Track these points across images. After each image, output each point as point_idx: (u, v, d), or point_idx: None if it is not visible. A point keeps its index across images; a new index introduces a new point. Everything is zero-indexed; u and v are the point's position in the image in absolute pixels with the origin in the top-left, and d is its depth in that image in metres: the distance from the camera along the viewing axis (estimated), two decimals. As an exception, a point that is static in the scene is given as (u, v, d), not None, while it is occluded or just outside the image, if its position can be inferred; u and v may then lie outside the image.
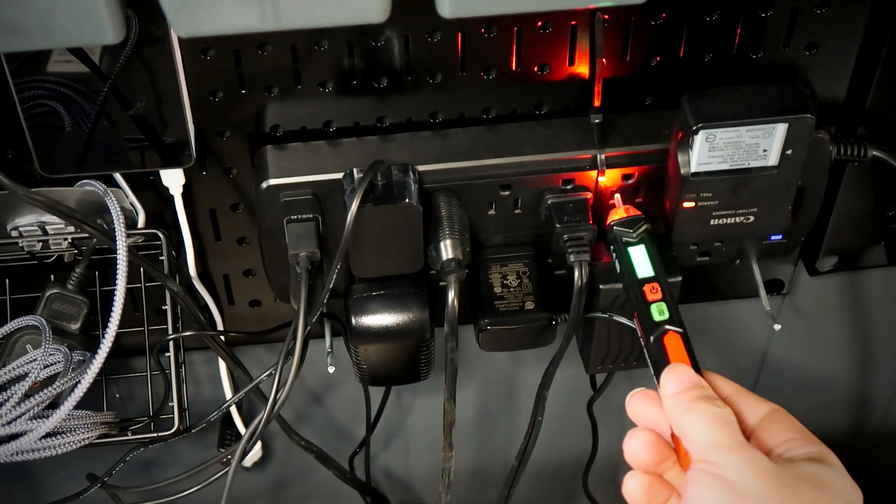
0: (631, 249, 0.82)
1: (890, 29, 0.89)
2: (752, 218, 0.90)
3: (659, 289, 0.78)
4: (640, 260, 0.81)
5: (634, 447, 0.72)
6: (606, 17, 0.85)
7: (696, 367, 0.73)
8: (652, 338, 0.75)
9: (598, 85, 0.88)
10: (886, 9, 0.88)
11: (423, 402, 1.23)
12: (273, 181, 0.87)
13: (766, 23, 0.88)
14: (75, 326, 0.91)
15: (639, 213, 0.86)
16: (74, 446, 0.88)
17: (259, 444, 1.22)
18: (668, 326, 0.75)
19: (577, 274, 0.90)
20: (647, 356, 0.76)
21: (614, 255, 0.84)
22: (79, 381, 0.86)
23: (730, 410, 0.69)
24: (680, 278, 0.93)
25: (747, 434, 0.70)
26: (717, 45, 0.89)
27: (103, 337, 0.85)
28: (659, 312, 0.77)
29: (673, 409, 0.70)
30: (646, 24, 0.87)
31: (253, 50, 0.84)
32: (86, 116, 0.82)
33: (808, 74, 0.91)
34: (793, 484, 0.65)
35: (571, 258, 0.89)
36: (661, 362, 0.74)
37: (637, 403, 0.73)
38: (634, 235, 0.83)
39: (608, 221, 0.85)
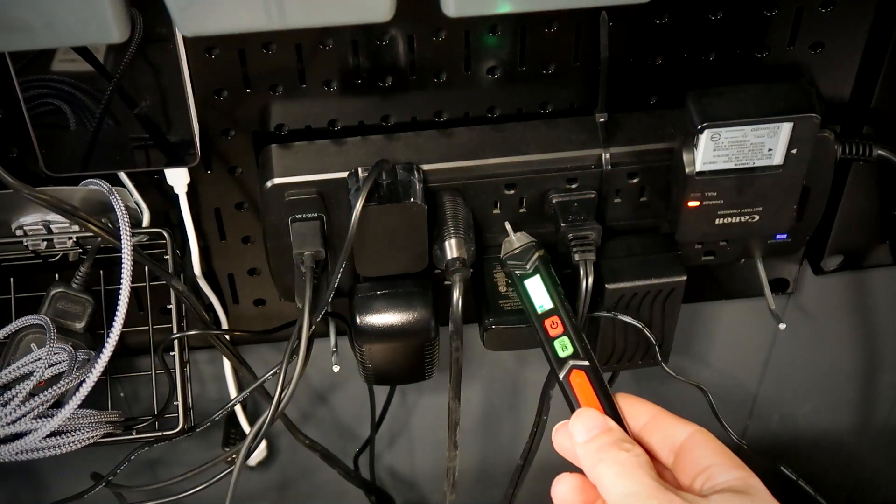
0: (527, 282, 0.78)
1: (895, 28, 0.89)
2: (756, 217, 0.90)
3: (559, 321, 0.75)
4: (537, 291, 0.77)
5: (561, 492, 0.70)
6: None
7: (608, 400, 0.72)
8: (560, 376, 0.73)
9: (603, 84, 0.88)
10: (891, 8, 0.88)
11: (427, 401, 1.23)
12: (278, 180, 0.87)
13: (771, 22, 0.88)
14: (80, 325, 0.91)
15: (530, 239, 0.82)
16: (79, 445, 0.88)
17: (264, 444, 1.22)
18: (572, 363, 0.73)
19: (582, 273, 0.90)
20: (562, 394, 0.74)
21: (514, 289, 0.81)
22: (83, 380, 0.86)
23: (640, 451, 0.68)
24: (684, 278, 0.94)
25: (668, 461, 0.69)
26: (721, 44, 0.89)
27: (108, 336, 0.85)
28: (562, 348, 0.74)
29: (584, 459, 0.69)
30: (650, 24, 0.87)
31: (258, 49, 0.84)
32: (90, 115, 0.82)
33: (813, 74, 0.91)
34: None
35: (576, 257, 0.89)
36: (572, 403, 0.72)
37: (560, 438, 0.72)
38: (528, 266, 0.79)
39: (502, 254, 0.82)
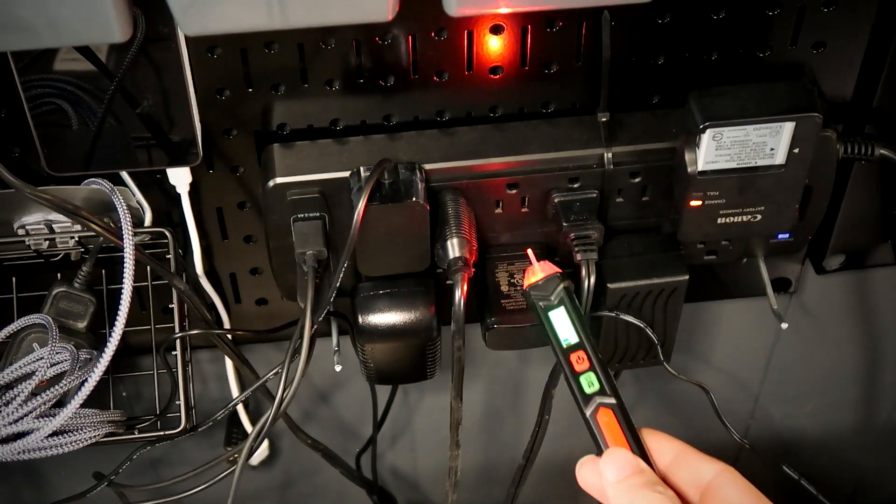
0: (551, 314, 0.75)
1: (898, 27, 0.89)
2: (759, 216, 0.90)
3: (585, 357, 0.73)
4: (562, 324, 0.75)
5: None
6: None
7: (635, 438, 0.71)
8: (587, 413, 0.72)
9: (605, 84, 0.88)
10: (893, 7, 0.88)
11: (429, 400, 1.23)
12: (280, 179, 0.87)
13: (773, 21, 0.88)
14: (82, 325, 0.92)
15: (555, 269, 0.78)
16: (81, 445, 0.88)
17: (266, 443, 1.22)
18: (599, 400, 0.72)
19: (584, 273, 0.90)
20: (587, 428, 0.73)
21: (538, 319, 0.78)
22: (85, 380, 0.86)
23: (672, 494, 0.68)
24: (686, 277, 0.94)
25: (695, 501, 0.69)
26: (723, 43, 0.89)
27: (110, 335, 0.85)
28: (588, 384, 0.72)
29: (616, 499, 0.69)
30: (652, 23, 0.87)
31: (260, 48, 0.84)
32: (92, 115, 0.82)
33: (816, 73, 0.91)
34: None
35: (578, 257, 0.89)
36: (599, 441, 0.72)
37: (586, 473, 0.71)
38: (553, 298, 0.76)
39: (525, 284, 0.78)
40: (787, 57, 0.90)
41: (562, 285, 0.76)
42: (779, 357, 1.23)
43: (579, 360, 0.73)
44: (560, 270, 0.76)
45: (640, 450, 0.71)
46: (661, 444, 0.71)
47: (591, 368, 0.73)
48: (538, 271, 0.77)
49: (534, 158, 0.89)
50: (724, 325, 1.18)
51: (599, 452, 0.71)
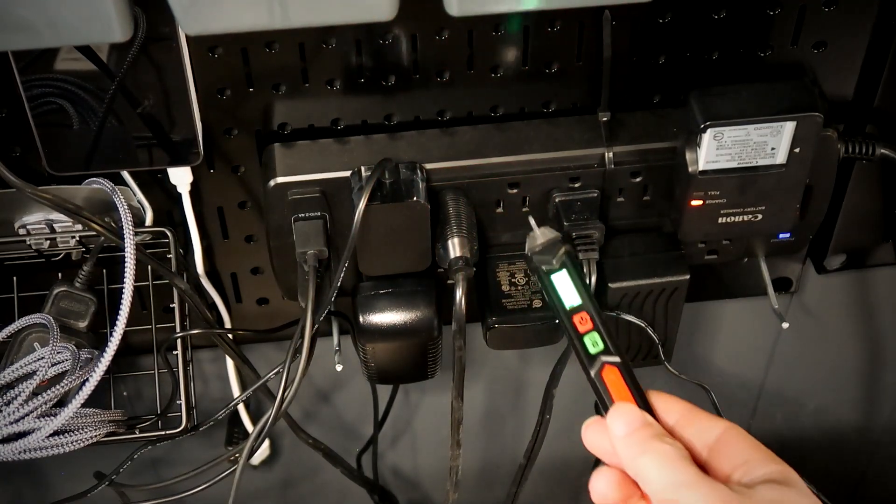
0: (553, 277, 0.75)
1: (898, 27, 0.89)
2: (760, 216, 0.90)
3: (588, 318, 0.73)
4: (564, 287, 0.74)
5: (600, 487, 0.70)
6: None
7: (640, 395, 0.71)
8: (592, 373, 0.72)
9: (606, 83, 0.88)
10: (894, 7, 0.88)
11: (430, 400, 1.23)
12: (281, 179, 0.87)
13: (774, 21, 0.88)
14: (83, 324, 0.91)
15: (555, 233, 0.77)
16: (82, 444, 0.88)
17: (267, 443, 1.22)
18: (604, 359, 0.72)
19: (585, 272, 0.90)
20: (592, 389, 0.73)
21: (539, 284, 0.78)
22: (86, 380, 0.86)
23: (681, 445, 0.68)
24: (687, 277, 0.94)
25: (702, 458, 0.69)
26: (724, 43, 0.89)
27: (111, 335, 0.85)
28: (593, 344, 0.72)
29: (624, 452, 0.68)
30: (653, 23, 0.87)
31: (261, 48, 0.84)
32: (93, 114, 0.82)
33: (816, 72, 0.91)
34: None
35: (579, 256, 0.89)
36: (604, 398, 0.71)
37: (592, 434, 0.71)
38: (555, 262, 0.76)
39: (526, 249, 0.78)
40: (787, 56, 0.90)
41: (563, 248, 0.76)
42: (780, 357, 1.23)
43: (582, 321, 0.73)
44: (560, 234, 0.77)
45: (647, 407, 0.71)
46: (667, 404, 0.71)
47: (595, 329, 0.72)
48: (539, 236, 0.77)
49: (535, 158, 0.89)
50: (724, 325, 1.18)
51: (605, 413, 0.71)
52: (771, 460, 0.67)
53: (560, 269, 0.75)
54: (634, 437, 0.68)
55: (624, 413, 0.70)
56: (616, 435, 0.69)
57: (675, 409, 0.71)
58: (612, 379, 0.71)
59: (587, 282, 0.76)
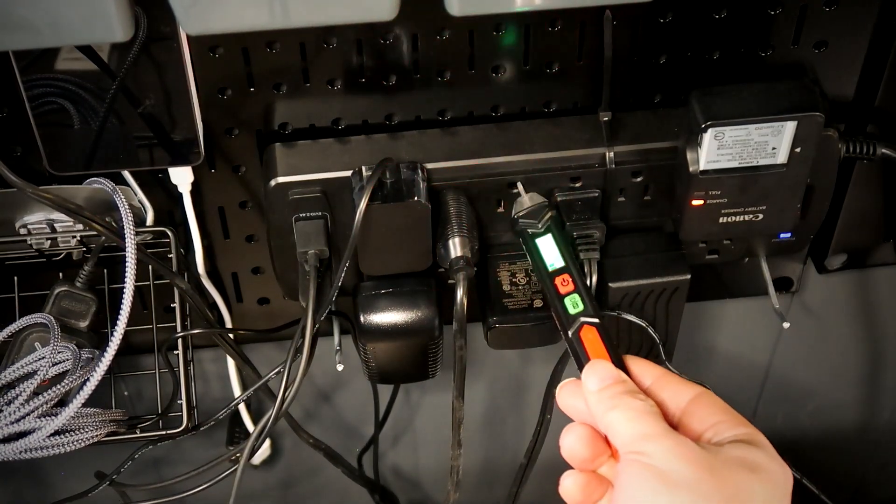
0: (538, 241, 0.79)
1: (899, 26, 0.89)
2: (760, 216, 0.90)
3: (570, 280, 0.75)
4: (548, 250, 0.78)
5: (570, 442, 0.71)
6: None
7: (617, 357, 0.72)
8: (570, 332, 0.74)
9: (607, 83, 0.88)
10: (895, 6, 0.88)
11: (431, 399, 1.23)
12: (282, 179, 0.87)
13: (775, 20, 0.88)
14: (84, 324, 0.91)
15: (542, 199, 0.82)
16: (83, 444, 0.88)
17: (268, 442, 1.22)
18: (583, 319, 0.73)
19: (585, 272, 0.89)
20: (569, 350, 0.74)
21: (524, 247, 0.81)
22: (87, 379, 0.86)
23: (652, 402, 0.69)
24: (688, 276, 0.94)
25: (674, 420, 0.69)
26: (725, 42, 0.89)
27: (112, 335, 0.85)
28: (573, 305, 0.74)
29: (596, 407, 0.69)
30: (654, 22, 0.87)
31: (262, 48, 0.84)
32: (94, 114, 0.82)
33: (817, 72, 0.91)
34: (722, 468, 0.64)
35: (580, 256, 0.89)
36: (581, 357, 0.73)
37: (567, 395, 0.72)
38: (540, 225, 0.80)
39: (513, 213, 0.82)
40: (788, 56, 0.90)
41: (549, 213, 0.79)
42: (780, 356, 1.23)
43: (564, 283, 0.75)
44: (546, 200, 0.79)
45: (622, 367, 0.72)
46: (642, 368, 0.72)
47: (576, 290, 0.75)
48: (527, 201, 0.81)
49: (536, 158, 0.89)
50: (725, 325, 1.18)
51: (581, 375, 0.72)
52: (741, 423, 0.68)
53: (545, 233, 0.78)
54: (607, 392, 0.69)
55: (598, 369, 0.71)
56: (589, 390, 0.70)
57: (650, 372, 0.72)
58: (590, 338, 0.73)
59: (570, 247, 0.79)
